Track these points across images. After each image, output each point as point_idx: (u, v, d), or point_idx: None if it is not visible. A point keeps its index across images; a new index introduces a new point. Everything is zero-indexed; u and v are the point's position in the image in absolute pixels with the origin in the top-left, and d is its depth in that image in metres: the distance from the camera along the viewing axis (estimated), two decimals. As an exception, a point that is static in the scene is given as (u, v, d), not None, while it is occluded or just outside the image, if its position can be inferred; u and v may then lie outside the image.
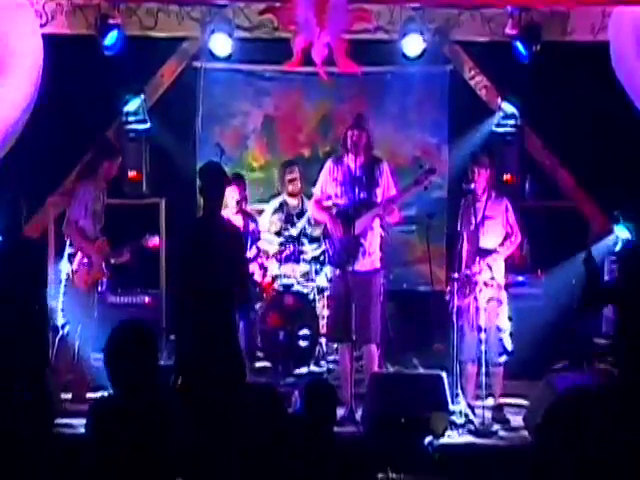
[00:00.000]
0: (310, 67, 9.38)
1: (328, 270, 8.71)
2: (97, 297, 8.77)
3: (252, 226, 9.45)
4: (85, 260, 8.58)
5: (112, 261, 8.82)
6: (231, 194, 9.09)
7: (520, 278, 9.57)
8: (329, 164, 8.37)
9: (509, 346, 8.19)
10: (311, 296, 9.56)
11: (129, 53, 9.38)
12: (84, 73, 9.51)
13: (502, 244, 8.28)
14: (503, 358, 8.18)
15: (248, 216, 9.53)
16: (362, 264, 8.10)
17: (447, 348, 8.44)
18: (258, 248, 9.48)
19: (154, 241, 9.04)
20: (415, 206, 10.17)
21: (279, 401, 5.50)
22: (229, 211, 9.08)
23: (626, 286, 6.81)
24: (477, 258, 8.13)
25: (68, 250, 8.66)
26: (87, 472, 4.79)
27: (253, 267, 9.29)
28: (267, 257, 9.68)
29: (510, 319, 8.26)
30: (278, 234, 9.75)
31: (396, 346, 9.53)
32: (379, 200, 8.16)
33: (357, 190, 8.09)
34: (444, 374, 7.89)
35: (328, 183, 8.27)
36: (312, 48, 9.17)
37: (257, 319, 9.39)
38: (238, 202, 9.32)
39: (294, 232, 9.69)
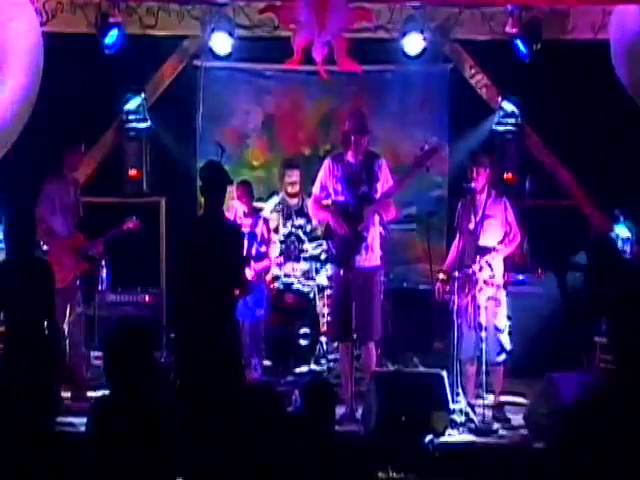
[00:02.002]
0: (310, 66, 9.41)
1: (329, 268, 8.70)
2: (82, 293, 8.64)
3: (260, 224, 9.33)
4: (60, 257, 8.37)
5: (89, 253, 8.67)
6: (239, 206, 9.08)
7: (520, 277, 9.59)
8: (327, 162, 8.35)
9: (507, 345, 8.18)
10: (311, 295, 9.56)
11: (129, 52, 9.40)
12: (84, 72, 9.52)
13: (501, 242, 8.27)
14: (502, 357, 8.17)
15: (257, 213, 9.42)
16: (364, 260, 8.09)
17: (447, 347, 8.44)
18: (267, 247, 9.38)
19: (132, 223, 8.84)
20: (415, 205, 10.18)
21: (277, 400, 5.49)
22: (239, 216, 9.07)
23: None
24: (477, 257, 8.12)
25: (44, 248, 8.57)
26: (87, 471, 4.79)
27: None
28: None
29: (509, 318, 8.26)
30: (277, 232, 9.73)
31: (396, 345, 9.52)
32: (379, 195, 8.15)
33: (357, 186, 8.08)
34: (444, 373, 7.88)
35: (327, 180, 8.25)
36: (312, 47, 9.19)
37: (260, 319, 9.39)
38: (245, 212, 9.21)
39: (293, 230, 9.68)
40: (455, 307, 8.11)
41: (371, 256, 8.14)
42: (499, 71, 10.07)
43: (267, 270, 9.49)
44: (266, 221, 9.38)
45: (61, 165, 8.62)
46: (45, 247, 8.52)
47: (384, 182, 8.17)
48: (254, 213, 9.30)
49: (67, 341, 8.38)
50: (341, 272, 8.18)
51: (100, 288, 8.97)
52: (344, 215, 8.12)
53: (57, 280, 8.32)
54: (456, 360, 8.11)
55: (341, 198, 8.18)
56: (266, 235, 9.28)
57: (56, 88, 9.21)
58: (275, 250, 9.63)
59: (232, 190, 8.66)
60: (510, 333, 8.22)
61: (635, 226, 9.48)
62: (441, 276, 8.29)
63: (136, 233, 8.84)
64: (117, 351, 4.90)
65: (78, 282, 8.56)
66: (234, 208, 9.17)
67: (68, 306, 8.41)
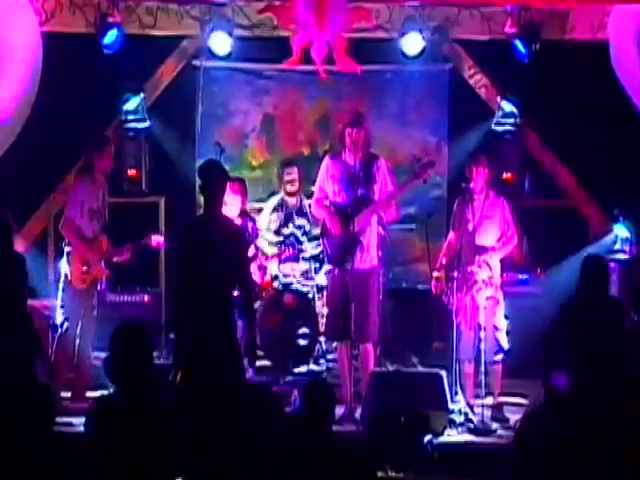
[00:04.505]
0: (310, 66, 9.42)
1: (327, 268, 8.71)
2: (97, 296, 8.70)
3: (250, 225, 9.41)
4: (83, 259, 8.50)
5: (114, 259, 8.73)
6: (233, 201, 9.10)
7: (520, 277, 9.58)
8: (326, 161, 8.36)
9: (505, 345, 8.18)
10: (310, 295, 9.56)
11: (128, 52, 9.39)
12: (83, 72, 9.50)
13: (498, 242, 8.27)
14: (500, 356, 8.17)
15: (247, 216, 9.52)
16: (360, 261, 8.09)
17: (446, 347, 8.45)
18: (256, 247, 9.46)
19: (158, 240, 8.93)
20: (414, 205, 10.17)
21: (274, 400, 5.49)
22: (232, 215, 9.08)
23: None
24: (476, 257, 8.13)
25: (66, 249, 8.61)
26: (87, 471, 4.79)
27: (252, 267, 9.26)
28: (266, 256, 9.68)
29: (507, 317, 8.26)
30: (277, 232, 9.74)
31: (395, 345, 9.52)
32: (377, 197, 8.14)
33: (355, 187, 8.07)
34: (443, 373, 7.89)
35: (325, 181, 8.26)
36: (312, 47, 9.21)
37: (257, 318, 9.40)
38: (240, 210, 9.29)
39: (293, 230, 9.68)
40: (454, 307, 8.12)
41: (366, 257, 8.13)
42: (498, 71, 10.08)
43: (264, 270, 9.52)
44: (254, 221, 9.44)
45: (89, 168, 8.61)
46: (68, 248, 8.55)
47: (382, 183, 8.16)
48: (245, 214, 9.34)
49: (77, 341, 8.40)
50: (336, 271, 8.21)
51: (99, 288, 8.95)
52: (340, 216, 8.12)
53: (76, 281, 8.40)
54: (455, 360, 8.12)
55: (339, 199, 8.18)
56: (254, 234, 9.33)
57: (55, 88, 9.21)
58: (268, 249, 9.64)
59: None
60: (508, 333, 8.23)
61: (634, 226, 9.48)
62: (435, 274, 8.31)
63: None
64: (119, 352, 4.91)
65: (98, 287, 8.61)
66: (227, 207, 9.18)
67: (83, 308, 8.44)
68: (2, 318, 7.19)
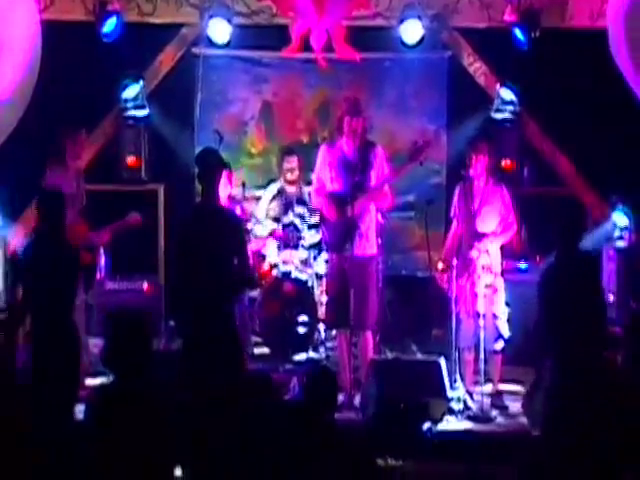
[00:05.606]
0: (309, 53, 9.42)
1: (326, 256, 8.72)
2: (84, 282, 8.62)
3: (238, 210, 9.33)
4: None
5: (95, 242, 8.65)
6: (225, 187, 9.07)
7: (519, 265, 9.58)
8: (323, 148, 8.35)
9: (505, 332, 8.19)
10: (309, 283, 9.56)
11: (128, 39, 9.39)
12: (83, 59, 9.51)
13: (498, 226, 8.27)
14: (500, 344, 8.18)
15: (234, 200, 9.43)
16: (359, 248, 8.08)
17: (445, 334, 8.46)
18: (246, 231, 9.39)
19: (137, 218, 8.81)
20: (414, 192, 10.18)
21: (273, 388, 5.51)
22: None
23: None
24: (475, 243, 8.13)
25: None
26: (86, 459, 4.80)
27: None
28: (264, 244, 9.69)
29: (508, 305, 8.27)
30: (277, 220, 9.74)
31: (395, 332, 9.53)
32: (373, 183, 8.14)
33: (351, 174, 8.07)
34: (442, 360, 7.90)
35: (323, 169, 8.25)
36: (311, 34, 9.21)
37: (255, 306, 9.41)
38: (228, 193, 9.24)
39: (293, 219, 9.68)
40: (453, 295, 8.13)
41: (365, 245, 8.13)
42: (498, 59, 10.06)
43: (259, 256, 9.51)
44: (241, 205, 9.39)
45: (63, 153, 8.60)
46: None
47: (379, 170, 8.16)
48: (233, 198, 9.30)
49: None
50: (334, 258, 8.21)
51: (98, 276, 8.94)
52: (337, 203, 8.12)
53: None
54: (454, 348, 8.13)
55: (335, 185, 8.18)
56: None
57: (54, 76, 9.19)
58: (261, 231, 9.62)
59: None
60: (509, 320, 8.24)
61: (633, 213, 9.48)
62: (440, 266, 8.31)
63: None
64: (116, 340, 4.92)
65: (98, 274, 8.59)
66: None
67: None
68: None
